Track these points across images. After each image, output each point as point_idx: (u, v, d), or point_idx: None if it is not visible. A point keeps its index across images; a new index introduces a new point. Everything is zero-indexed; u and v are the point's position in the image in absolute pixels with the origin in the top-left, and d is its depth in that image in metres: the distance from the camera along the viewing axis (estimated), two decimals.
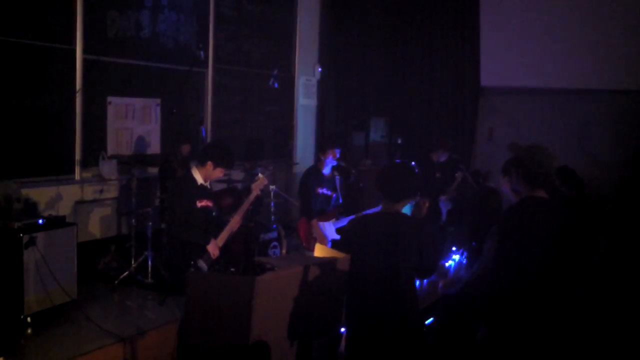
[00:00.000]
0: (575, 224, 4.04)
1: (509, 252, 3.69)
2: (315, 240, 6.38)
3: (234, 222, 5.77)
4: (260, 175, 6.09)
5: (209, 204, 5.78)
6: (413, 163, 6.98)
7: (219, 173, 5.74)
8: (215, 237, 5.66)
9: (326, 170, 6.83)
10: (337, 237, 6.22)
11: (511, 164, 4.29)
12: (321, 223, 6.59)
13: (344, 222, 6.58)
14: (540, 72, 9.15)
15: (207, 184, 5.81)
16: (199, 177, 5.70)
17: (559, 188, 5.58)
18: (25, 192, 5.66)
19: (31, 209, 5.82)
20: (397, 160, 8.53)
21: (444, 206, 7.45)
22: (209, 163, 5.65)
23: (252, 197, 5.84)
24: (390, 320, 3.67)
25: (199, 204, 5.67)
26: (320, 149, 6.89)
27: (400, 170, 3.91)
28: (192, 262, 5.46)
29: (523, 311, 3.64)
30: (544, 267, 3.63)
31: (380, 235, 3.73)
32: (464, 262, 6.23)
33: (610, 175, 8.06)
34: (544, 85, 9.21)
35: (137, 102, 7.19)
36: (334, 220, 6.62)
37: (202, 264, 5.51)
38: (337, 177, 6.94)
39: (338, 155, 6.79)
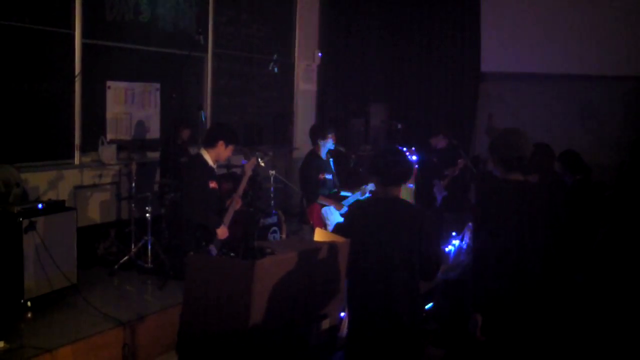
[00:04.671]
0: (552, 207, 4.08)
1: (485, 237, 3.72)
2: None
3: (236, 204, 5.82)
4: (252, 157, 6.14)
5: (216, 186, 5.83)
6: (405, 148, 6.99)
7: (229, 152, 5.80)
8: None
9: (323, 154, 6.81)
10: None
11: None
12: (326, 209, 6.58)
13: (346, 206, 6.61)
14: (541, 57, 9.12)
15: (215, 167, 5.85)
16: (209, 159, 5.73)
17: (562, 173, 5.57)
18: (24, 176, 5.66)
19: (30, 193, 5.82)
20: (387, 146, 8.52)
21: (439, 192, 7.42)
22: (221, 142, 5.69)
23: (245, 178, 5.90)
24: (391, 306, 3.68)
25: (210, 185, 5.71)
26: (321, 133, 6.79)
27: (394, 155, 3.90)
28: (202, 244, 5.50)
29: (506, 297, 3.66)
30: (520, 250, 3.66)
31: (379, 220, 3.72)
32: (464, 247, 6.23)
33: (615, 161, 8.04)
34: (546, 70, 9.18)
35: (137, 86, 7.16)
36: (334, 200, 6.62)
37: (212, 248, 5.55)
38: (331, 159, 6.92)
39: (335, 139, 6.79)
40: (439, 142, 8.09)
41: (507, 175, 3.76)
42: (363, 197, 6.55)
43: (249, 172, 5.94)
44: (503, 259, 3.64)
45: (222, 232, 5.65)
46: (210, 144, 5.73)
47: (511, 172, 3.75)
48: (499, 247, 3.63)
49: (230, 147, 5.77)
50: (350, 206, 4.37)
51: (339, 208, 6.50)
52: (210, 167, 5.76)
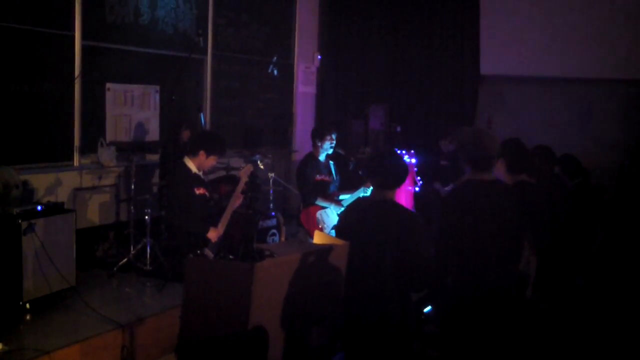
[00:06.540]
0: (520, 207, 4.16)
1: (448, 234, 3.78)
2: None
3: (232, 206, 5.81)
4: (248, 164, 6.14)
5: (206, 192, 5.83)
6: (404, 151, 6.98)
7: (212, 161, 5.80)
8: (215, 224, 5.69)
9: (322, 157, 6.81)
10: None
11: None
12: (321, 212, 6.57)
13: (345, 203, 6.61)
14: (540, 60, 9.12)
15: (201, 174, 5.85)
16: (192, 167, 5.74)
17: (561, 176, 5.57)
18: (23, 178, 5.64)
19: (30, 195, 5.81)
20: (383, 148, 8.50)
21: (441, 190, 7.41)
22: (202, 152, 5.72)
23: (240, 185, 5.89)
24: (383, 308, 3.68)
25: (197, 192, 5.71)
26: (318, 135, 6.79)
27: (389, 158, 3.90)
28: (197, 252, 5.48)
29: (465, 295, 3.72)
30: (482, 248, 3.70)
31: (373, 223, 3.71)
32: None
33: (614, 164, 8.05)
34: (545, 73, 9.19)
35: (136, 88, 7.16)
36: (334, 199, 6.61)
37: (208, 252, 5.53)
38: (331, 162, 6.91)
39: (335, 142, 6.76)
40: (448, 145, 7.96)
41: (475, 175, 3.82)
42: (365, 194, 6.55)
43: (244, 179, 5.94)
44: (463, 255, 3.73)
45: (213, 235, 5.64)
46: (192, 152, 5.75)
47: (478, 172, 3.82)
48: (460, 243, 3.73)
49: (213, 158, 5.77)
50: (345, 208, 4.37)
51: (339, 205, 6.49)
52: (195, 175, 5.76)
